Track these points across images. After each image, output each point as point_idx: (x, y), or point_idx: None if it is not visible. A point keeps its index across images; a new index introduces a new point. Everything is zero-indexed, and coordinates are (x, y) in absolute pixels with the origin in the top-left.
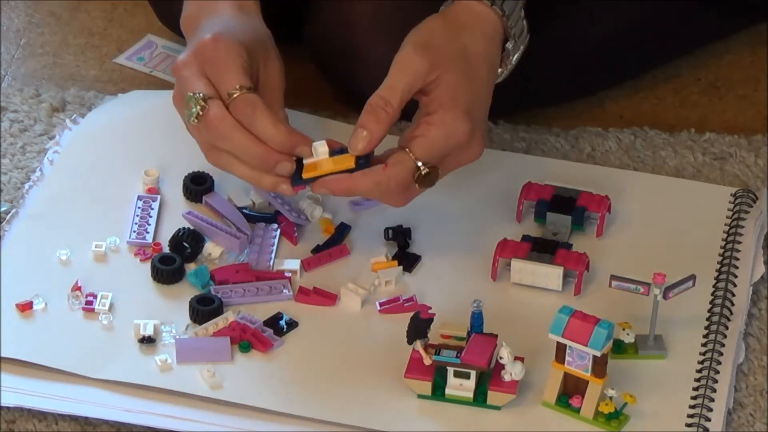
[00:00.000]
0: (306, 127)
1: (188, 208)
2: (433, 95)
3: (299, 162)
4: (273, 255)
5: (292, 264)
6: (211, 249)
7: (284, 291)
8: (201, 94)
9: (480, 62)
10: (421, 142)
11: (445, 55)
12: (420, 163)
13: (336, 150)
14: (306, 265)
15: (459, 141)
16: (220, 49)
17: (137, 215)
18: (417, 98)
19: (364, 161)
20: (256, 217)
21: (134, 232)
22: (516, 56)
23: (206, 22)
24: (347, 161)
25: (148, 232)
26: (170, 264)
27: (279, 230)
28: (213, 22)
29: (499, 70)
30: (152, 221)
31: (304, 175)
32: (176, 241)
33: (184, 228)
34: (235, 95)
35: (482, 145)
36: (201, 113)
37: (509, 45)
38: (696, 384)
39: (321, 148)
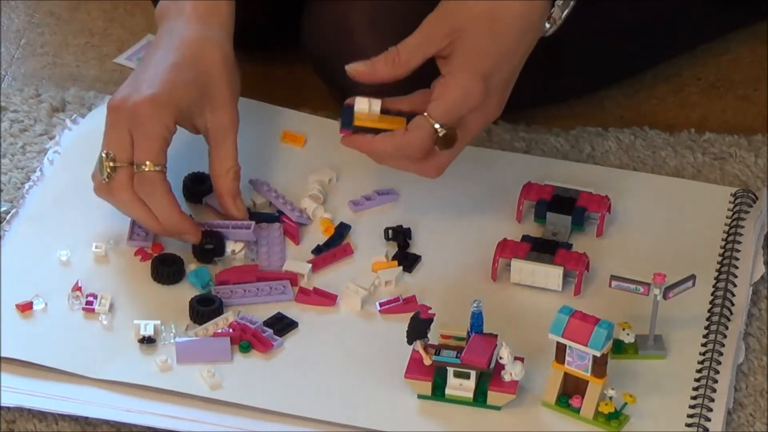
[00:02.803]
0: (305, 126)
1: (188, 208)
2: (451, 58)
3: (351, 108)
4: (284, 256)
5: (302, 267)
6: (232, 246)
7: (284, 291)
8: (111, 162)
9: (511, 22)
10: (438, 105)
11: (469, 16)
12: (437, 126)
13: (389, 112)
14: (313, 267)
15: (475, 102)
16: (152, 116)
17: None
18: (438, 64)
19: None
20: (257, 217)
21: (134, 232)
22: (566, 12)
23: (164, 38)
24: (398, 122)
25: (148, 233)
26: (170, 264)
27: (282, 230)
28: (167, 46)
29: (547, 25)
30: None
31: (356, 123)
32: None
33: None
34: (144, 169)
35: (500, 105)
36: (106, 180)
37: (559, 1)
38: (696, 384)
39: (375, 106)
